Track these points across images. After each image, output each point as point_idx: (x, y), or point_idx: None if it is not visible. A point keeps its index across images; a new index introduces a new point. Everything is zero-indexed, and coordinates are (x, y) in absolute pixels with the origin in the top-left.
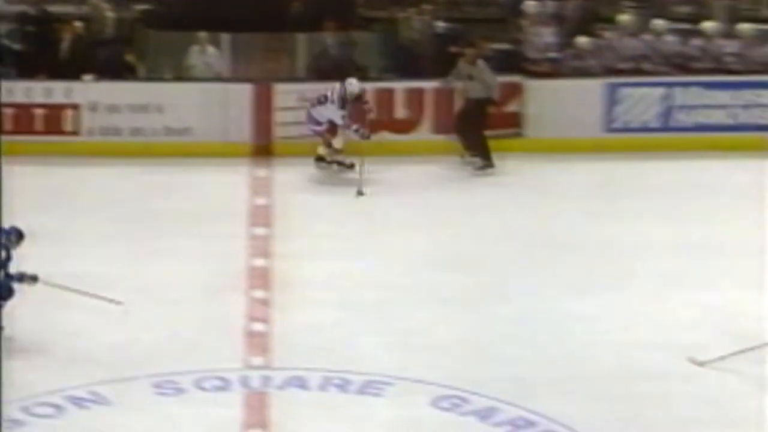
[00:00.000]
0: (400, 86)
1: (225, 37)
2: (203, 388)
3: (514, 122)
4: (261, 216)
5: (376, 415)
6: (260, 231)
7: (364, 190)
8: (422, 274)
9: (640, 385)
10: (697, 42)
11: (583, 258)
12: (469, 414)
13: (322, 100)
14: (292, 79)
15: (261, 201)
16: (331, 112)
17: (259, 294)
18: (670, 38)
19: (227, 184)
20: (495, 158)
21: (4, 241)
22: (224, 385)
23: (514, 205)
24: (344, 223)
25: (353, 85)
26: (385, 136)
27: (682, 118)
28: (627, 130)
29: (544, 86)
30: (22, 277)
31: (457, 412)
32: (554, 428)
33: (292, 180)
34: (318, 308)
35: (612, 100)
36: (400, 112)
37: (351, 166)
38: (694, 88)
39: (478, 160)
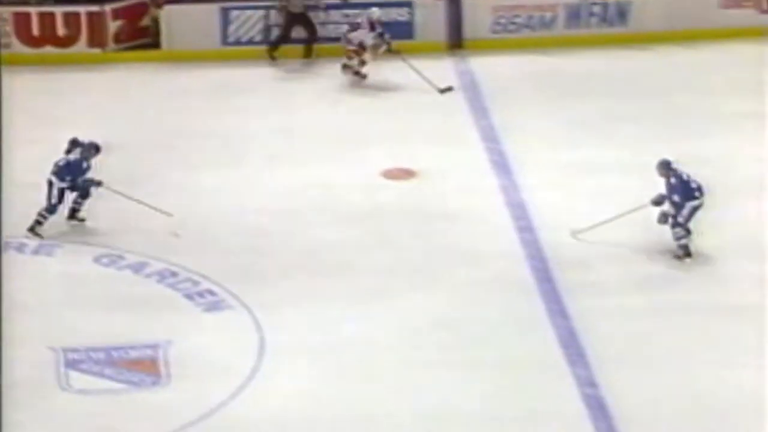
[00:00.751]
0: (59, 10)
1: None
2: None
3: (149, 35)
4: None
5: (49, 271)
6: None
7: (442, 86)
8: None
9: (254, 239)
10: None
11: (207, 143)
12: (125, 268)
13: (355, 27)
14: None
15: None
16: (363, 35)
17: None
18: None
19: None
20: (140, 67)
21: (84, 154)
22: None
23: (158, 102)
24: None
25: (375, 11)
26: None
27: (277, 33)
28: (238, 43)
29: (175, 9)
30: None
31: (115, 267)
32: (192, 276)
33: None
34: None
35: (226, 20)
36: (61, 30)
37: (364, 77)
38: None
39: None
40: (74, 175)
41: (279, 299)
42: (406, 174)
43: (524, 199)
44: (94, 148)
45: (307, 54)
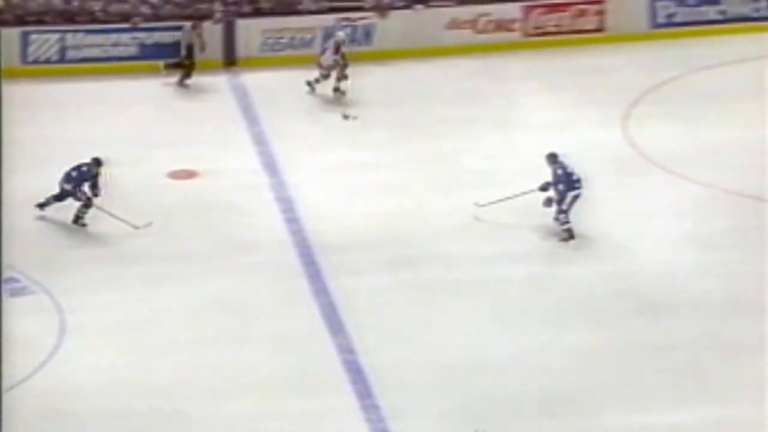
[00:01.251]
0: None
1: None
2: None
3: None
4: None
5: None
6: None
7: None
8: None
9: (55, 233)
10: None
11: (11, 151)
12: None
13: (324, 50)
14: None
15: None
16: (328, 57)
17: None
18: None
19: None
20: None
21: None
22: None
23: None
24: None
25: (339, 35)
26: None
27: (72, 53)
28: (37, 62)
29: None
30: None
31: None
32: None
33: None
34: None
35: (26, 42)
36: None
37: (343, 93)
38: (79, 34)
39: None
40: (76, 182)
41: (78, 285)
42: (189, 174)
43: (291, 194)
44: (96, 162)
45: (189, 73)
